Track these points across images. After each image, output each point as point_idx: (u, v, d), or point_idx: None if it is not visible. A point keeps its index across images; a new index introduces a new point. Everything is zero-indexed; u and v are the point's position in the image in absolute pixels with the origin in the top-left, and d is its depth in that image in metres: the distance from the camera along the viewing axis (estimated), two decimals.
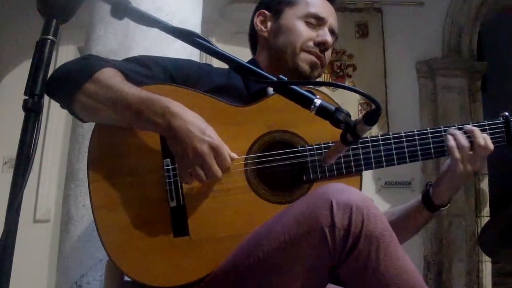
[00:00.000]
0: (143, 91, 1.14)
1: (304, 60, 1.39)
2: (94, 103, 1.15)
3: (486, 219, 3.80)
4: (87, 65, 1.18)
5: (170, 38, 0.98)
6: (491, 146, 1.26)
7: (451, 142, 1.26)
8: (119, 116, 1.15)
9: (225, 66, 1.00)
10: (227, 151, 1.12)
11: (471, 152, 1.25)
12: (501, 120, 1.29)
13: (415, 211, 1.34)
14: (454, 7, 4.18)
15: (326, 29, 1.42)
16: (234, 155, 1.15)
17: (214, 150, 1.09)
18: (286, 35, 1.41)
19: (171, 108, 1.10)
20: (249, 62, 1.44)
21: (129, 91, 1.13)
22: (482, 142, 1.25)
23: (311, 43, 1.40)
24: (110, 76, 1.16)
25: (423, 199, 1.33)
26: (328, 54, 1.44)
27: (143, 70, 1.26)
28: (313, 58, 1.40)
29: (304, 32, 1.40)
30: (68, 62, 1.24)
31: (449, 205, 1.33)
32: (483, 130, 1.28)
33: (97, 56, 1.26)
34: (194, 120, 1.10)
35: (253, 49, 1.54)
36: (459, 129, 1.27)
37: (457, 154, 1.25)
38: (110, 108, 1.14)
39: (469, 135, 1.26)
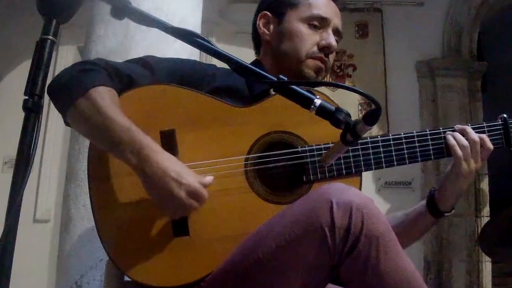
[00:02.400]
0: (127, 122, 1.11)
1: (310, 66, 1.37)
2: (82, 121, 1.16)
3: (486, 219, 3.80)
4: (85, 79, 1.16)
5: (170, 38, 0.98)
6: (489, 144, 1.26)
7: (452, 141, 1.26)
8: (100, 140, 1.15)
9: (227, 66, 1.00)
10: (203, 181, 1.11)
11: (470, 150, 1.26)
12: (499, 122, 1.29)
13: (419, 217, 1.34)
14: (454, 7, 4.18)
15: (330, 31, 1.40)
16: (210, 178, 1.14)
17: (192, 193, 1.09)
18: (290, 41, 1.39)
19: (145, 150, 1.08)
20: (253, 63, 1.44)
21: (115, 119, 1.11)
22: (476, 138, 1.25)
23: (315, 49, 1.38)
24: (102, 97, 1.14)
25: (428, 205, 1.33)
26: (332, 56, 1.43)
27: (147, 73, 1.26)
28: (318, 63, 1.38)
29: (307, 38, 1.38)
30: (70, 70, 1.21)
31: (453, 211, 1.33)
32: (482, 132, 1.28)
33: (100, 63, 1.22)
34: (169, 164, 1.09)
35: (257, 49, 1.52)
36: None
37: (459, 152, 1.25)
38: (93, 130, 1.15)
39: (463, 134, 1.27)
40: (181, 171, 1.09)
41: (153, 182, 1.09)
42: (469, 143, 1.26)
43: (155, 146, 1.11)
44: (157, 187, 1.09)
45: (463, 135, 1.27)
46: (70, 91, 1.15)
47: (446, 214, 1.32)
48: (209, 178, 1.14)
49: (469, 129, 1.27)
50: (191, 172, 1.11)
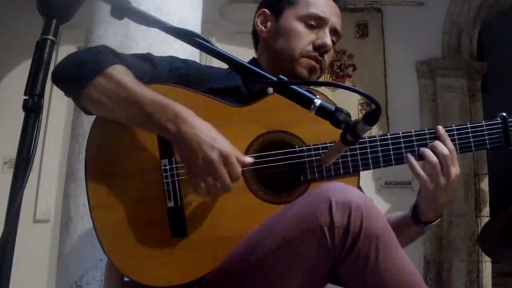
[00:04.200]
0: (156, 93, 1.12)
1: (303, 65, 1.37)
2: (104, 99, 1.13)
3: (486, 219, 3.81)
4: (100, 58, 1.16)
5: (170, 38, 0.98)
6: (453, 154, 1.22)
7: (411, 161, 1.23)
8: (129, 116, 1.14)
9: (225, 66, 1.00)
10: (241, 157, 1.11)
11: (438, 168, 1.22)
12: (498, 120, 1.28)
13: (406, 225, 1.31)
14: (454, 7, 4.19)
15: (327, 30, 1.39)
16: (249, 159, 1.13)
17: (225, 157, 1.08)
18: (285, 39, 1.39)
19: (182, 114, 1.09)
20: (250, 61, 1.44)
21: (142, 92, 1.12)
22: (445, 151, 1.21)
23: (310, 47, 1.37)
24: (123, 74, 1.14)
25: (412, 215, 1.31)
26: (328, 56, 1.41)
27: (147, 67, 1.26)
28: (312, 62, 1.37)
29: (303, 36, 1.37)
30: (81, 51, 1.22)
31: (439, 220, 1.29)
32: (480, 131, 1.27)
33: (109, 48, 1.23)
34: (205, 128, 1.09)
35: (256, 47, 1.52)
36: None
37: (421, 174, 1.23)
38: (120, 106, 1.13)
39: (435, 151, 1.22)
40: (217, 136, 1.09)
41: (187, 143, 1.08)
42: (438, 158, 1.21)
43: (190, 111, 1.11)
44: (190, 148, 1.08)
45: (435, 152, 1.22)
46: (86, 70, 1.14)
47: (430, 224, 1.29)
48: (248, 158, 1.13)
49: (439, 146, 1.22)
50: (226, 141, 1.11)
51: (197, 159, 1.08)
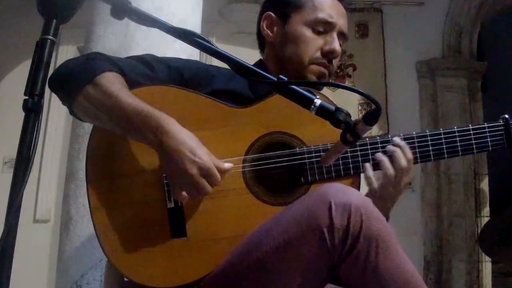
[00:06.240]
0: (141, 102, 1.12)
1: (313, 72, 1.35)
2: (91, 107, 1.15)
3: (486, 219, 3.81)
4: (91, 67, 1.17)
5: (170, 38, 0.98)
6: (409, 165, 1.22)
7: (368, 171, 1.22)
8: (113, 124, 1.15)
9: (227, 66, 1.00)
10: (220, 165, 1.11)
11: (392, 179, 1.21)
12: (501, 122, 1.27)
13: None
14: (454, 7, 4.19)
15: (334, 35, 1.36)
16: (229, 165, 1.14)
17: (204, 171, 1.08)
18: (293, 45, 1.36)
19: (164, 125, 1.09)
20: (257, 63, 1.42)
21: (127, 101, 1.12)
22: (404, 164, 1.20)
23: (318, 54, 1.35)
24: (111, 82, 1.15)
25: None
26: (336, 60, 1.40)
27: (146, 70, 1.26)
28: (321, 69, 1.36)
29: (311, 43, 1.35)
30: (73, 60, 1.23)
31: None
32: (482, 133, 1.25)
33: (102, 55, 1.25)
34: (186, 139, 1.09)
35: (261, 49, 1.50)
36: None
37: (374, 183, 1.22)
38: (104, 115, 1.14)
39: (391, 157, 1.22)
40: (197, 148, 1.09)
41: (168, 155, 1.09)
42: (395, 169, 1.20)
43: (173, 121, 1.11)
44: (171, 160, 1.09)
45: (390, 157, 1.21)
46: (76, 79, 1.16)
47: None
48: (227, 165, 1.13)
49: (398, 153, 1.21)
50: (207, 152, 1.11)
51: (178, 171, 1.09)
